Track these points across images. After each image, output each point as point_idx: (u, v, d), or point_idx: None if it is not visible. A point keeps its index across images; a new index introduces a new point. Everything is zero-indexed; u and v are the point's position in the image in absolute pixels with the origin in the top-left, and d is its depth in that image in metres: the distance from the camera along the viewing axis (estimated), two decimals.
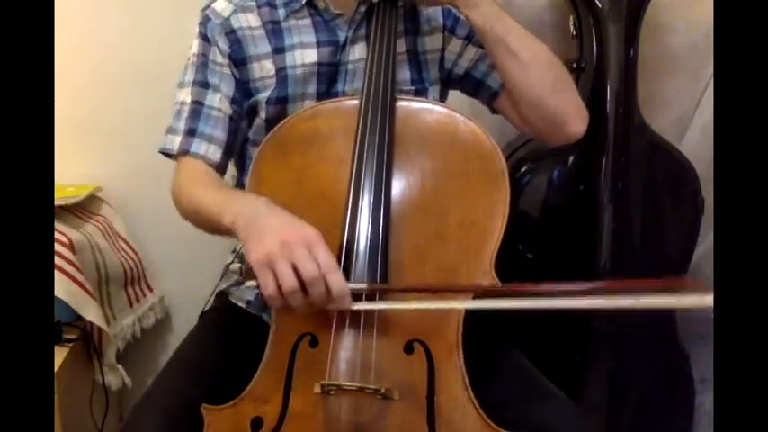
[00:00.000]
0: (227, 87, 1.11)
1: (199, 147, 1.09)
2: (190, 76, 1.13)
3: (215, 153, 1.10)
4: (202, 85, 1.12)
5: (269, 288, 0.85)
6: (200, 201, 1.03)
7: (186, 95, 1.12)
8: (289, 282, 0.84)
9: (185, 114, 1.11)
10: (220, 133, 1.10)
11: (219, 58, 1.12)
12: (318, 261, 0.85)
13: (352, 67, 1.14)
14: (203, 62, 1.12)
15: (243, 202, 0.96)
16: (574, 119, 1.10)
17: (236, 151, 1.16)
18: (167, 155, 1.13)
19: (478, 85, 1.19)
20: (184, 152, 1.10)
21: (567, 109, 1.09)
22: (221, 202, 0.98)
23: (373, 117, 1.00)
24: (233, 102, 1.11)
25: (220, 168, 1.12)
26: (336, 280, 0.85)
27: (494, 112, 1.21)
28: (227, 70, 1.11)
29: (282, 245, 0.85)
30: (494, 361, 1.06)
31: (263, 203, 0.93)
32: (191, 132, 1.10)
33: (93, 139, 1.67)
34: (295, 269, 0.84)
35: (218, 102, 1.11)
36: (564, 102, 1.09)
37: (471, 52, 1.17)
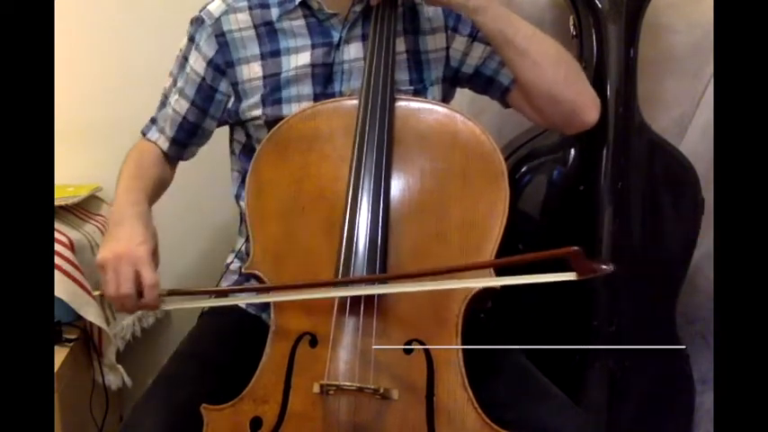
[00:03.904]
0: (191, 90, 1.17)
1: (153, 134, 1.22)
2: (173, 70, 1.20)
3: (164, 143, 1.21)
4: (173, 82, 1.20)
5: (100, 286, 1.00)
6: (120, 176, 1.14)
7: (166, 85, 1.21)
8: (109, 290, 0.98)
9: (158, 103, 1.23)
10: (170, 130, 1.20)
11: (194, 62, 1.16)
12: (142, 276, 0.97)
13: (348, 67, 1.14)
14: (182, 63, 1.18)
15: (122, 203, 1.07)
16: (588, 108, 1.13)
17: (194, 146, 1.24)
18: None
19: (489, 82, 1.19)
20: (143, 133, 1.23)
21: (580, 99, 1.12)
22: (120, 193, 1.10)
23: (373, 116, 1.00)
24: (193, 104, 1.18)
25: (170, 156, 1.22)
26: (150, 295, 0.98)
27: (506, 106, 1.21)
28: (196, 76, 1.16)
29: (115, 256, 0.97)
30: (493, 361, 1.06)
31: (131, 212, 1.05)
32: (152, 120, 1.23)
33: (93, 139, 1.67)
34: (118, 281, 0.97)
35: (175, 102, 1.19)
36: (577, 93, 1.12)
37: (479, 50, 1.17)
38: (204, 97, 1.17)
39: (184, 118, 1.18)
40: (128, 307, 0.99)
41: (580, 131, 1.16)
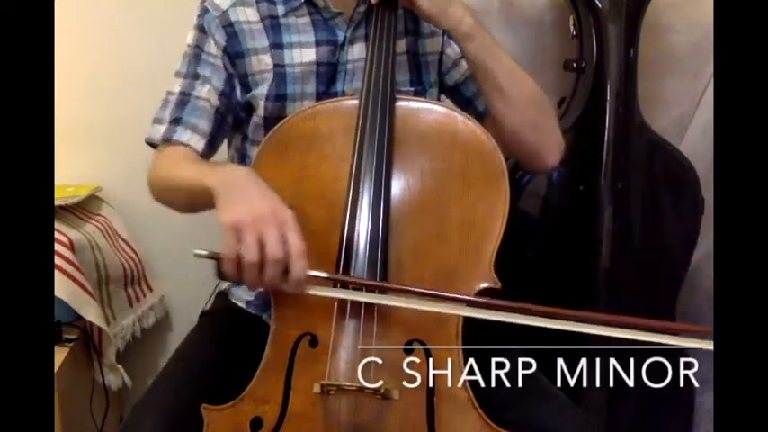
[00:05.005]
0: (218, 80, 1.12)
1: (182, 135, 1.09)
2: (183, 68, 1.14)
3: (198, 142, 1.10)
4: (193, 76, 1.12)
5: (230, 253, 0.85)
6: (180, 175, 1.04)
7: (176, 86, 1.13)
8: (251, 255, 0.84)
9: (171, 104, 1.12)
10: (205, 124, 1.10)
11: (213, 50, 1.12)
12: (288, 243, 0.84)
13: (351, 67, 1.14)
14: (197, 54, 1.13)
15: (227, 169, 0.99)
16: (549, 154, 1.13)
17: (218, 147, 1.16)
18: (151, 145, 1.13)
19: (467, 103, 1.20)
20: (167, 140, 1.10)
21: (543, 145, 1.13)
22: (205, 171, 0.99)
23: (373, 116, 1.00)
24: (222, 94, 1.12)
25: (204, 156, 1.11)
26: (300, 266, 0.85)
27: None
28: (219, 62, 1.12)
29: (255, 217, 0.85)
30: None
31: (246, 172, 0.95)
32: (175, 121, 1.10)
33: (93, 139, 1.67)
34: (261, 244, 0.84)
35: (206, 93, 1.11)
36: (542, 138, 1.12)
37: (464, 67, 1.18)
38: (231, 86, 1.12)
39: (217, 109, 1.11)
40: (269, 278, 0.84)
41: (539, 173, 1.18)
